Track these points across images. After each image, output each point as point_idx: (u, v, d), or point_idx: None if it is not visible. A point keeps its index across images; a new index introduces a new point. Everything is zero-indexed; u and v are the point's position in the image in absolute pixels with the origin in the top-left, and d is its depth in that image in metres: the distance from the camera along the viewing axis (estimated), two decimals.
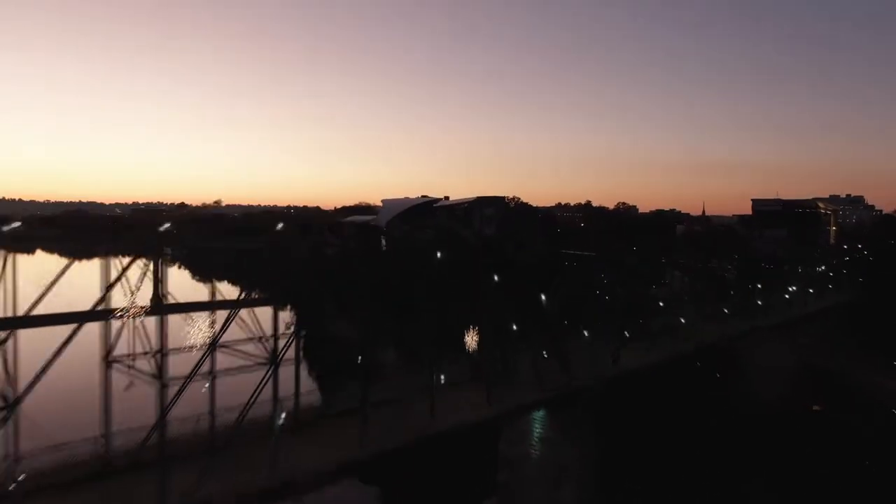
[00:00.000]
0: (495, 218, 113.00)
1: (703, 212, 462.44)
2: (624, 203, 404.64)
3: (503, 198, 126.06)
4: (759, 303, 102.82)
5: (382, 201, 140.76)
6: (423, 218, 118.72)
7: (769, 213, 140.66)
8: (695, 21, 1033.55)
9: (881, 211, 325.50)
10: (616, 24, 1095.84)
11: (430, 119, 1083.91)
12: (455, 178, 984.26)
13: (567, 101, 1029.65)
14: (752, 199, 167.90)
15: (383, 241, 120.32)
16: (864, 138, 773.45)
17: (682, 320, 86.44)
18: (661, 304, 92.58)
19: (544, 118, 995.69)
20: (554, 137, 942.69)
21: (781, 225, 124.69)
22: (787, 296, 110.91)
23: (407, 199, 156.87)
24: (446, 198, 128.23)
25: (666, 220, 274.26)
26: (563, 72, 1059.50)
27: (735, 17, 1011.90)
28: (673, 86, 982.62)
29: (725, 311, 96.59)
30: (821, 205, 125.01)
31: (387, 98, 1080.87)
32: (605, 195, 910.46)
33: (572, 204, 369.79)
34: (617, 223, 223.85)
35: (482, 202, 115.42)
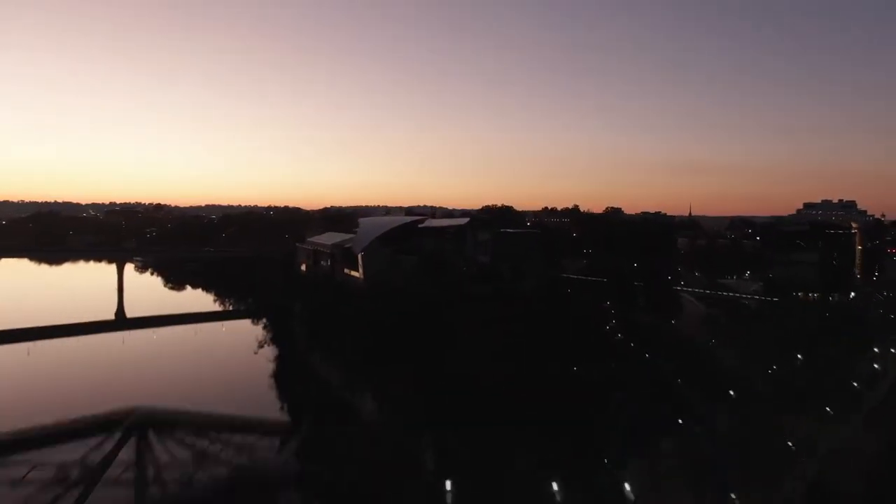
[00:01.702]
0: (490, 242, 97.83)
1: (690, 213, 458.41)
2: (612, 207, 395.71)
3: (497, 217, 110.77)
4: None
5: (360, 221, 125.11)
6: (406, 241, 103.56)
7: (795, 233, 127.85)
8: (685, 23, 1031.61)
9: (874, 216, 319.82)
10: (605, 26, 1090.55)
11: (414, 120, 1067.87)
12: (439, 179, 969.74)
13: (551, 103, 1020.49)
14: (775, 217, 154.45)
15: (360, 269, 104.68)
16: (855, 141, 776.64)
17: None
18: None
19: (529, 119, 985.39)
20: (538, 138, 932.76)
21: (810, 247, 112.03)
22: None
23: (388, 217, 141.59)
24: (434, 211, 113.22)
25: (659, 228, 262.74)
26: (548, 73, 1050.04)
27: (724, 19, 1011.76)
28: (659, 86, 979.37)
29: None
30: (854, 224, 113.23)
31: (370, 99, 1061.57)
32: (590, 196, 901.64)
33: (559, 209, 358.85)
34: (608, 232, 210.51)
35: (475, 224, 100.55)
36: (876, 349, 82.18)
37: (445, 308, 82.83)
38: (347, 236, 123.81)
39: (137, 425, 29.43)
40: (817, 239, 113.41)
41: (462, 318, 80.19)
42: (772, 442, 55.59)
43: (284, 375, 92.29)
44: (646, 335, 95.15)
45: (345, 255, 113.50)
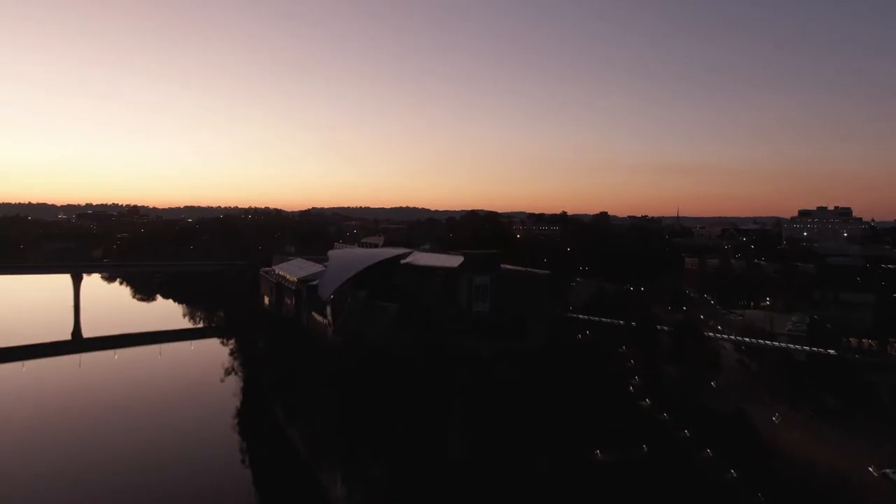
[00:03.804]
0: (489, 287, 79.22)
1: (678, 215, 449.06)
2: (600, 212, 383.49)
3: (498, 253, 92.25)
4: None
5: (330, 254, 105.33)
6: (385, 281, 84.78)
7: (842, 266, 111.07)
8: (673, 26, 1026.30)
9: (869, 223, 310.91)
10: (591, 30, 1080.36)
11: (399, 122, 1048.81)
12: (424, 180, 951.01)
13: (537, 105, 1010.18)
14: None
15: (329, 316, 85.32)
16: (844, 146, 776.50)
17: None
18: None
19: (514, 121, 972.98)
20: (524, 141, 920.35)
21: (864, 286, 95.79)
22: None
23: (363, 250, 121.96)
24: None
25: (655, 237, 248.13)
26: (534, 75, 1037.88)
27: (715, 22, 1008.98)
28: (646, 89, 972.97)
29: None
30: None
31: (355, 100, 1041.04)
32: (576, 198, 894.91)
33: (546, 214, 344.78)
34: (604, 247, 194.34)
35: (470, 265, 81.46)
36: None
37: (433, 373, 66.57)
38: (317, 267, 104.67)
39: None
40: (873, 276, 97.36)
41: (454, 385, 64.52)
42: None
43: (249, 420, 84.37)
44: (679, 399, 78.23)
45: (312, 296, 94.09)
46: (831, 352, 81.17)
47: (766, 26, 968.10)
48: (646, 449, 64.80)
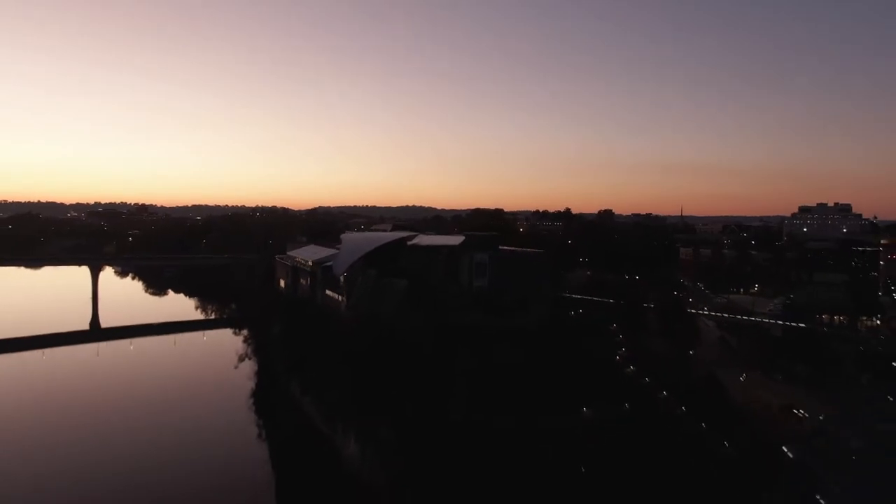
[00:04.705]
0: (489, 265, 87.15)
1: (682, 214, 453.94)
2: (603, 210, 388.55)
3: (498, 235, 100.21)
4: None
5: (342, 237, 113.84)
6: (392, 260, 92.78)
7: (820, 251, 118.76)
8: (678, 25, 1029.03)
9: (869, 220, 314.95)
10: (597, 29, 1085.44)
11: (404, 121, 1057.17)
12: (429, 180, 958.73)
13: (543, 104, 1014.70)
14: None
15: (343, 293, 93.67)
16: (846, 144, 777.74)
17: None
18: None
19: (520, 120, 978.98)
20: (529, 140, 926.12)
21: (837, 267, 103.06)
22: None
23: (374, 233, 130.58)
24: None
25: (655, 233, 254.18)
26: (539, 75, 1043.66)
27: (719, 21, 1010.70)
28: (651, 88, 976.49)
29: None
30: (884, 241, 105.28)
31: (360, 99, 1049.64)
32: (581, 197, 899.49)
33: (551, 211, 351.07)
34: (605, 239, 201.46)
35: (471, 244, 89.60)
36: None
37: (437, 344, 73.19)
38: (330, 251, 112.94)
39: None
40: (844, 257, 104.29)
41: (456, 355, 71.11)
42: None
43: (264, 399, 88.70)
44: (660, 367, 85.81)
45: (326, 275, 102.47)
46: (802, 325, 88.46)
47: (768, 26, 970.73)
48: (627, 407, 72.60)
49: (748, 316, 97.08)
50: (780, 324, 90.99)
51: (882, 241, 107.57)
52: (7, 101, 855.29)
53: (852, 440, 62.27)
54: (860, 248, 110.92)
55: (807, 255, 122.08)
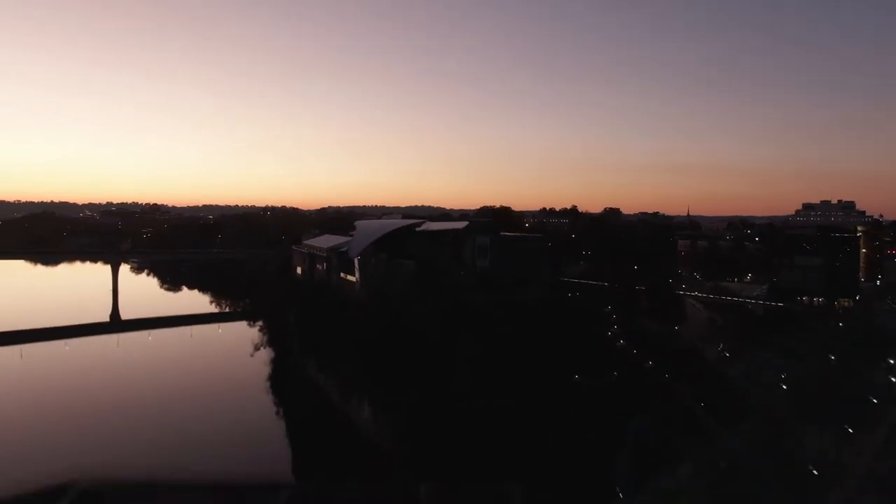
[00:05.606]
0: (489, 247, 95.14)
1: (689, 213, 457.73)
2: (610, 208, 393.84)
3: (496, 219, 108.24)
4: None
5: (356, 224, 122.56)
6: (402, 245, 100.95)
7: (799, 237, 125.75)
8: (684, 24, 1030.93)
9: (873, 217, 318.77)
10: (603, 28, 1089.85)
11: (412, 121, 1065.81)
12: (437, 180, 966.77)
13: (550, 104, 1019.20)
14: (772, 217, 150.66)
15: (356, 274, 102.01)
16: (853, 142, 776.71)
17: None
18: None
19: (527, 120, 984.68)
20: (537, 139, 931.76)
21: (815, 251, 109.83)
22: None
23: (385, 220, 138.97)
24: (432, 212, 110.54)
25: (658, 229, 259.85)
26: (546, 74, 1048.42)
27: (724, 20, 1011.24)
28: (658, 87, 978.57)
29: None
30: (861, 228, 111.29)
31: (369, 100, 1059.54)
32: (588, 196, 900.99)
33: (557, 209, 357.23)
34: (608, 234, 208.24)
35: (474, 228, 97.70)
36: (891, 360, 79.21)
37: (442, 331, 78.86)
38: (343, 239, 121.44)
39: (79, 498, 26.89)
40: (822, 243, 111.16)
41: (459, 342, 76.55)
42: (794, 465, 52.84)
43: (281, 381, 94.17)
44: (649, 342, 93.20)
45: (341, 260, 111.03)
46: (780, 304, 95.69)
47: (774, 25, 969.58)
48: (616, 374, 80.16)
49: (736, 299, 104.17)
50: (761, 304, 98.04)
51: (860, 229, 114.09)
52: (7, 101, 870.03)
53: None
54: (837, 234, 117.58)
55: (784, 240, 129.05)
